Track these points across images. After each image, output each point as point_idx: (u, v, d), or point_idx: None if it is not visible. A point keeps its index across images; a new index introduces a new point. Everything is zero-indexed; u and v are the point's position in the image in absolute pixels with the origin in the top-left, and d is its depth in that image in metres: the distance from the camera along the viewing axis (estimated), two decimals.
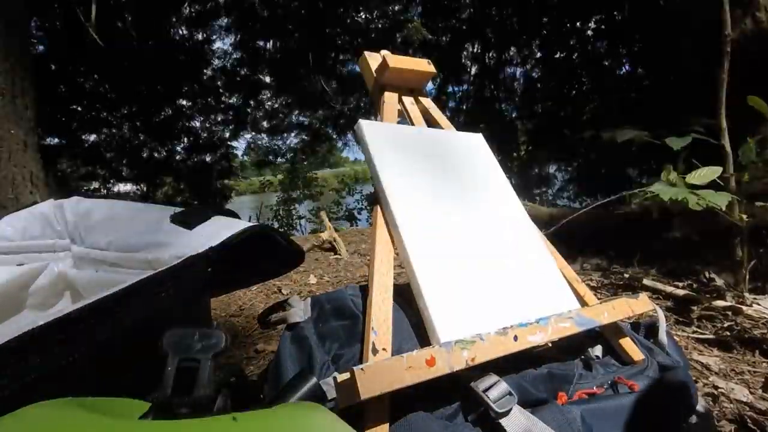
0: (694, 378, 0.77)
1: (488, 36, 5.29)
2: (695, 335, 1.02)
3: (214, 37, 5.20)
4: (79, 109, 4.46)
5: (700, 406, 0.55)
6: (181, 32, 4.95)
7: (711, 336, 1.01)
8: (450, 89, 5.71)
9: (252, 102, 5.79)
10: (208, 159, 5.55)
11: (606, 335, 0.60)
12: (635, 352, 0.58)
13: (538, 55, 5.27)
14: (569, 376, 0.50)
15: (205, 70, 5.29)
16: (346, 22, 4.89)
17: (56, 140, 4.35)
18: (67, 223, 0.69)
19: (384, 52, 0.76)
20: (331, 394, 0.42)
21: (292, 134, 6.33)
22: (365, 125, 0.63)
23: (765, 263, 1.31)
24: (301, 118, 6.16)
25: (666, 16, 2.97)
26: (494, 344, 0.44)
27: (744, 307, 1.08)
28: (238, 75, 5.47)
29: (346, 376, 0.39)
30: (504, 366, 0.46)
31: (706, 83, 1.37)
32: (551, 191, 5.60)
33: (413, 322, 0.50)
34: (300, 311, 0.55)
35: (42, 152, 1.63)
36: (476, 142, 0.75)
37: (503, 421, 0.40)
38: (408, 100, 0.78)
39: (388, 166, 0.59)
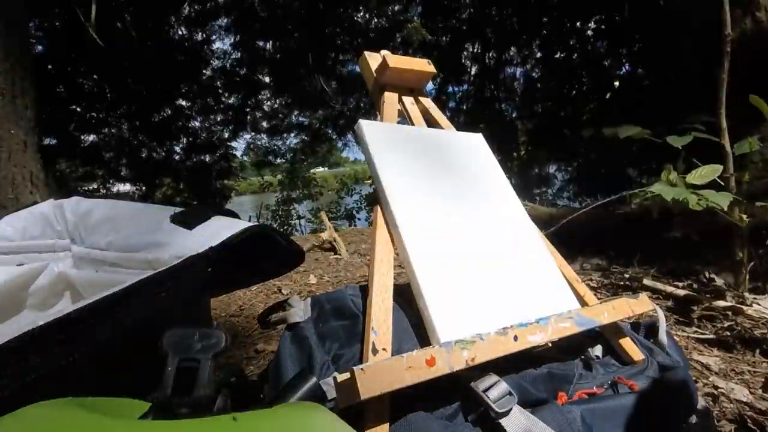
0: (694, 378, 0.77)
1: (488, 36, 5.29)
2: (695, 335, 1.02)
3: (214, 37, 5.20)
4: (79, 109, 4.46)
5: (700, 405, 0.55)
6: (180, 32, 4.95)
7: (711, 336, 1.01)
8: (450, 89, 5.72)
9: (251, 102, 5.79)
10: (207, 159, 5.54)
11: (606, 335, 0.60)
12: (635, 352, 0.58)
13: (538, 55, 5.27)
14: (569, 376, 0.50)
15: (204, 71, 5.29)
16: (345, 22, 4.89)
17: (55, 140, 4.35)
18: (67, 223, 0.69)
19: (384, 52, 0.76)
20: (331, 394, 0.42)
21: (292, 134, 6.33)
22: (365, 125, 0.62)
23: (765, 263, 1.31)
24: (300, 119, 6.16)
25: (666, 16, 2.97)
26: (494, 344, 0.44)
27: (744, 307, 1.08)
28: (237, 75, 5.47)
29: (346, 376, 0.39)
30: (504, 366, 0.46)
31: (706, 83, 1.37)
32: (551, 191, 5.61)
33: (413, 322, 0.50)
34: (300, 311, 0.55)
35: (41, 152, 1.63)
36: (476, 142, 0.75)
37: (503, 421, 0.40)
38: (408, 100, 0.78)
39: (388, 166, 0.59)
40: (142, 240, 0.60)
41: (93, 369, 0.38)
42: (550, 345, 0.52)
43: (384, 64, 0.74)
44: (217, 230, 0.54)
